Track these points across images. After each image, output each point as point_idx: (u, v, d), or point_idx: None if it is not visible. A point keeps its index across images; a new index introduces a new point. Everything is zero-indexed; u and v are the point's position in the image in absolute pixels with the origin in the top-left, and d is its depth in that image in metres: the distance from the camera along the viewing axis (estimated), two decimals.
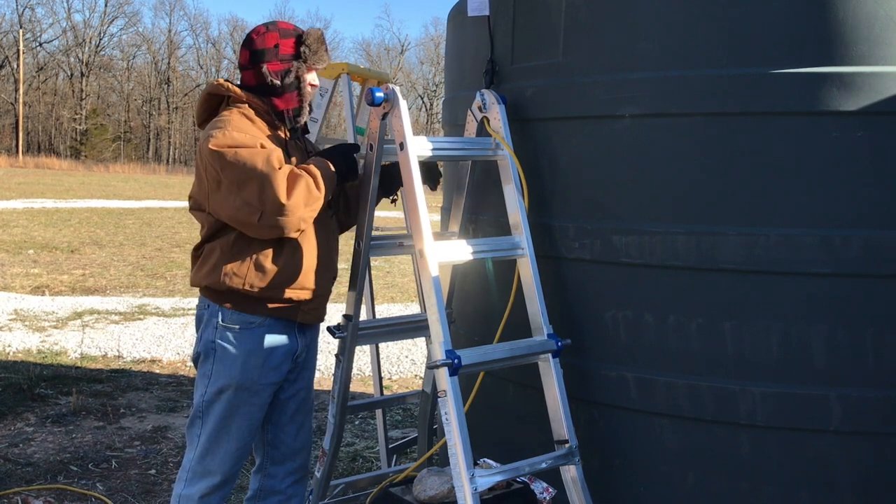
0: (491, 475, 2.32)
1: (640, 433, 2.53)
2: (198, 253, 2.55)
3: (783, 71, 2.30)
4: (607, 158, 2.54)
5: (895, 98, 2.25)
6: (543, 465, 2.42)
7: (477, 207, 2.92)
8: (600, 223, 2.54)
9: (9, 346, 6.57)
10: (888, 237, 2.29)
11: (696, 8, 2.40)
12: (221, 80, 2.56)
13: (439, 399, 2.30)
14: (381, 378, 3.92)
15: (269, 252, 2.44)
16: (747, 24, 2.33)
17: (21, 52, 51.04)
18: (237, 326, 2.48)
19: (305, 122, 2.67)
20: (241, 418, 2.52)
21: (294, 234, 2.41)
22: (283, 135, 2.53)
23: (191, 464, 2.57)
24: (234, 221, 2.40)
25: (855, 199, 2.30)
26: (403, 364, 6.59)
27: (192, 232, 15.00)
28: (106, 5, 58.64)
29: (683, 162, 2.43)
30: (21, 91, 50.31)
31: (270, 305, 2.49)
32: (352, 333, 2.66)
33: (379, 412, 3.74)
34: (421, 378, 5.97)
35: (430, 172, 2.79)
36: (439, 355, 2.30)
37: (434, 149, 2.57)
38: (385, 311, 8.29)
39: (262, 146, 2.38)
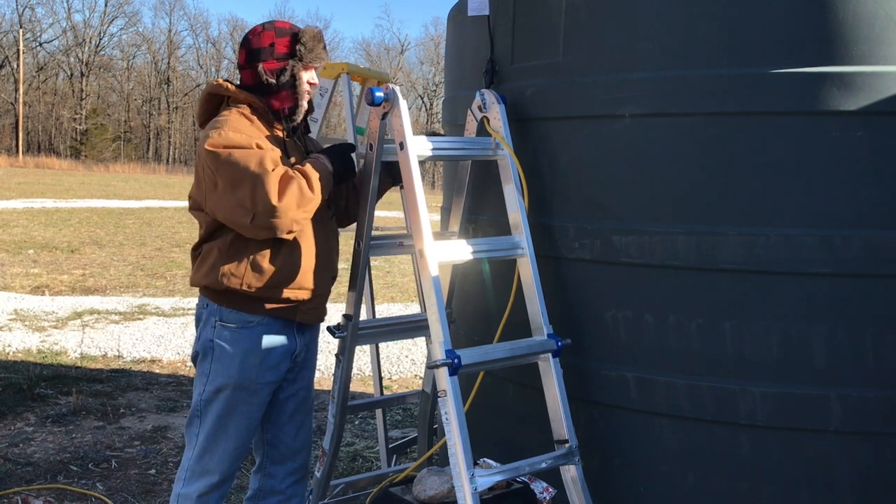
0: (491, 475, 2.32)
1: (640, 433, 2.53)
2: (196, 253, 2.55)
3: (783, 71, 2.30)
4: (607, 158, 2.54)
5: (895, 98, 2.25)
6: (543, 465, 2.42)
7: (477, 207, 2.92)
8: (600, 223, 2.54)
9: (9, 345, 6.57)
10: (888, 237, 2.29)
11: (696, 8, 2.39)
12: (221, 81, 2.56)
13: (439, 399, 2.30)
14: (381, 378, 3.92)
15: (267, 252, 2.44)
16: (747, 23, 2.33)
17: (21, 52, 51.05)
18: (235, 325, 2.49)
19: (307, 122, 2.67)
20: (239, 417, 2.53)
21: (287, 236, 2.40)
22: (281, 134, 2.53)
23: (189, 463, 2.57)
24: (228, 222, 2.40)
25: (855, 199, 2.30)
26: (403, 364, 6.59)
27: (193, 232, 15.00)
28: (106, 5, 58.68)
29: (683, 162, 2.43)
30: (21, 91, 50.31)
31: (268, 305, 2.49)
32: (352, 333, 2.66)
33: (379, 412, 3.74)
34: (421, 378, 5.97)
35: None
36: (439, 355, 2.30)
37: (434, 148, 2.57)
38: (385, 310, 8.29)
39: (259, 146, 2.38)
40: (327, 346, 6.01)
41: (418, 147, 2.50)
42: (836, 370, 2.33)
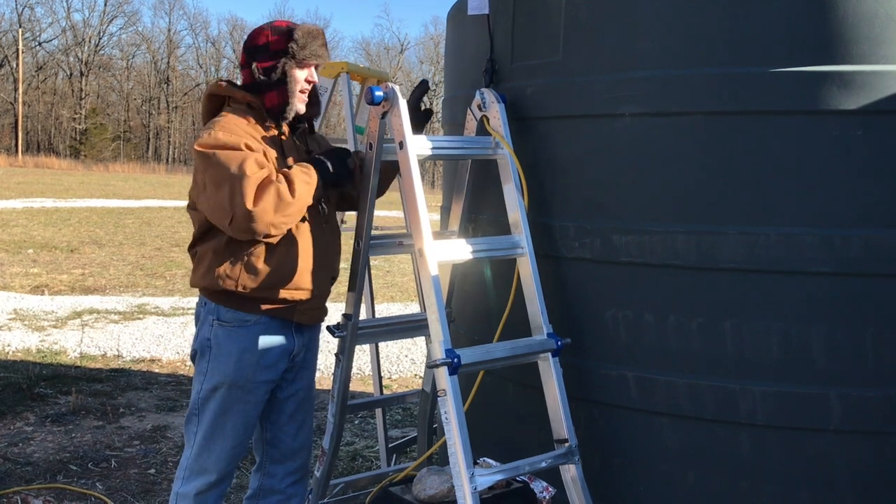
0: (490, 474, 2.32)
1: (641, 432, 2.53)
2: (193, 252, 2.55)
3: (783, 70, 2.29)
4: (607, 157, 2.54)
5: (895, 97, 2.25)
6: (543, 465, 2.42)
7: (477, 206, 2.91)
8: (600, 222, 2.54)
9: (8, 345, 6.56)
10: (888, 236, 2.28)
11: (695, 7, 2.39)
12: (221, 81, 2.57)
13: (439, 398, 2.30)
14: (380, 377, 3.93)
15: (261, 253, 2.43)
16: (747, 22, 2.33)
17: (20, 52, 51.03)
18: (232, 324, 2.49)
19: (311, 122, 2.66)
20: (236, 416, 2.53)
21: (271, 239, 2.40)
22: (279, 134, 2.53)
23: (188, 462, 2.58)
24: (213, 221, 2.41)
25: (855, 199, 2.29)
26: (403, 363, 6.59)
27: (191, 231, 14.97)
28: (105, 4, 58.63)
29: (683, 161, 2.43)
30: (20, 90, 50.29)
31: (264, 306, 2.49)
32: (351, 333, 2.66)
33: (379, 411, 3.74)
34: (421, 377, 5.97)
35: (424, 114, 2.76)
36: (439, 354, 2.30)
37: (433, 147, 2.56)
38: (385, 310, 8.29)
39: (248, 147, 2.37)
40: (327, 346, 6.01)
41: (418, 146, 2.50)
42: (837, 369, 2.33)
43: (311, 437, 2.79)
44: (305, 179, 2.41)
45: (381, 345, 5.68)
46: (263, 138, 2.46)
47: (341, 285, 2.71)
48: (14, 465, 4.08)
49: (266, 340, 2.51)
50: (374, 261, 9.28)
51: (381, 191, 2.72)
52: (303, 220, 2.50)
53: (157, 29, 68.81)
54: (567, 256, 2.62)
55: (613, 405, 2.56)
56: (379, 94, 2.49)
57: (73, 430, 4.64)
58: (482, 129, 2.72)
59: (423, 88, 2.78)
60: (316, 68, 2.57)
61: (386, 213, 16.38)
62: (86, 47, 57.37)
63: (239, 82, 2.58)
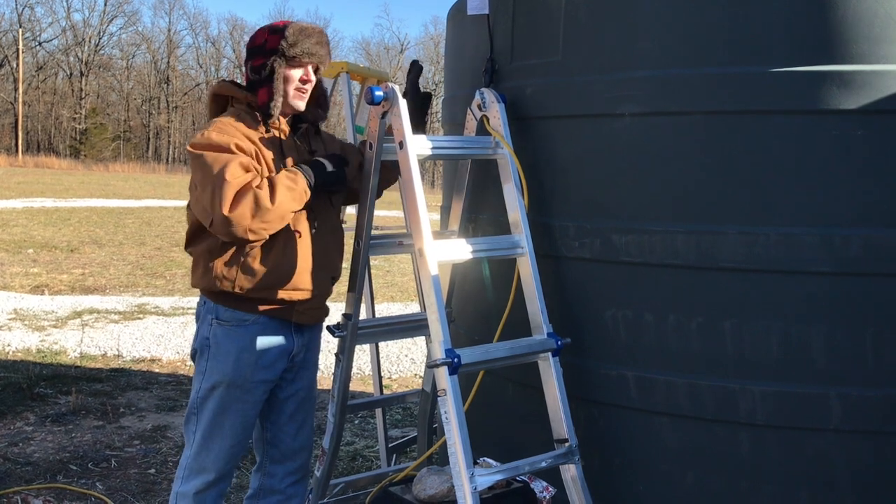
0: (491, 474, 2.32)
1: (640, 432, 2.53)
2: (190, 252, 2.56)
3: (783, 69, 2.29)
4: (607, 157, 2.54)
5: (895, 96, 2.25)
6: (543, 465, 2.42)
7: (476, 206, 2.91)
8: (600, 222, 2.54)
9: (8, 345, 6.56)
10: (888, 236, 2.28)
11: (695, 6, 2.39)
12: (223, 82, 2.59)
13: (439, 398, 2.30)
14: (380, 377, 3.92)
15: (258, 254, 2.43)
16: (747, 22, 2.33)
17: (20, 52, 51.02)
18: (231, 323, 2.49)
19: (316, 122, 2.65)
20: (234, 415, 2.53)
21: (249, 242, 2.39)
22: (277, 133, 2.52)
23: (187, 461, 2.59)
24: (201, 221, 2.41)
25: (855, 198, 2.29)
26: (403, 363, 6.59)
27: None
28: (105, 4, 58.62)
29: (683, 160, 2.43)
30: (20, 90, 50.28)
31: (262, 307, 2.49)
32: (351, 332, 2.66)
33: (379, 411, 3.74)
34: (421, 377, 5.97)
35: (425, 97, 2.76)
36: (439, 354, 2.30)
37: (433, 147, 2.56)
38: (385, 310, 8.28)
39: (238, 147, 2.37)
40: (327, 346, 6.01)
41: (418, 146, 2.50)
42: (836, 369, 2.33)
43: (311, 437, 2.79)
44: (289, 185, 2.38)
45: (381, 345, 5.67)
46: (262, 139, 2.46)
47: (341, 284, 2.71)
48: (14, 464, 4.08)
49: (264, 340, 2.51)
50: (374, 261, 9.27)
51: (379, 191, 2.72)
52: (302, 220, 2.50)
53: (157, 29, 68.87)
54: (567, 256, 2.62)
55: (613, 405, 2.56)
56: (379, 93, 2.49)
57: (73, 430, 4.64)
58: (482, 129, 2.72)
59: (416, 70, 2.77)
60: (317, 70, 2.56)
61: (386, 213, 16.38)
62: (86, 47, 57.38)
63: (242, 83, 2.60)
